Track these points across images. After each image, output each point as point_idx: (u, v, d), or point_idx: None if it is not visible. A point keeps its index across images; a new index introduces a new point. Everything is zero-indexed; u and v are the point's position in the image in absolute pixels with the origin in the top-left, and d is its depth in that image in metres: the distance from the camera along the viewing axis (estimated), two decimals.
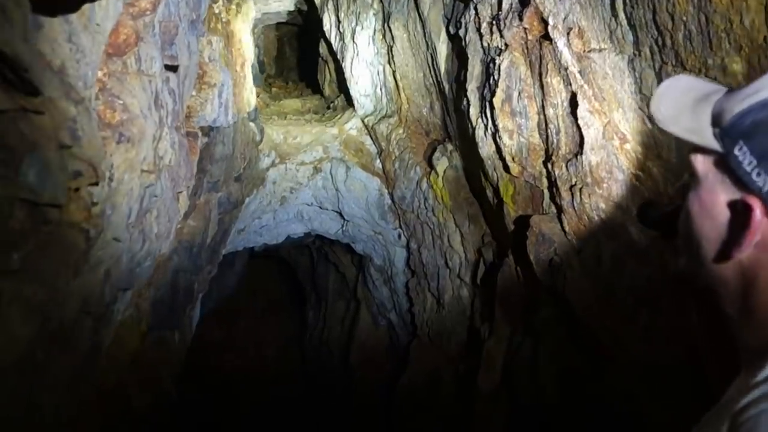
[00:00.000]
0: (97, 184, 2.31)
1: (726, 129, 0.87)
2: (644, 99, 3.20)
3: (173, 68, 3.25)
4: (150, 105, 2.89)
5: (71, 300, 2.75)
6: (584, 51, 3.65)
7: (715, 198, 0.92)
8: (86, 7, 2.10)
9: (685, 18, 2.66)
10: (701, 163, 0.95)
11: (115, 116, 2.55)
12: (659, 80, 2.98)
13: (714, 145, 0.90)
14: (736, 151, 0.85)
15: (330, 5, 8.91)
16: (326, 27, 9.22)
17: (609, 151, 3.68)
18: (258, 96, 9.74)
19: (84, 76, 2.15)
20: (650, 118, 3.21)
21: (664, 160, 3.21)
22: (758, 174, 0.82)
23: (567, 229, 4.34)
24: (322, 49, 10.65)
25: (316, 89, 11.95)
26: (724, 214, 0.90)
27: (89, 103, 2.22)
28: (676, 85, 1.07)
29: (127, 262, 3.18)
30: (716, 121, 0.90)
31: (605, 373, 3.91)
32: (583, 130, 3.84)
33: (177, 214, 3.85)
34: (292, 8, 11.87)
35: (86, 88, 2.19)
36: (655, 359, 3.44)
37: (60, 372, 3.18)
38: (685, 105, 1.00)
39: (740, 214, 0.86)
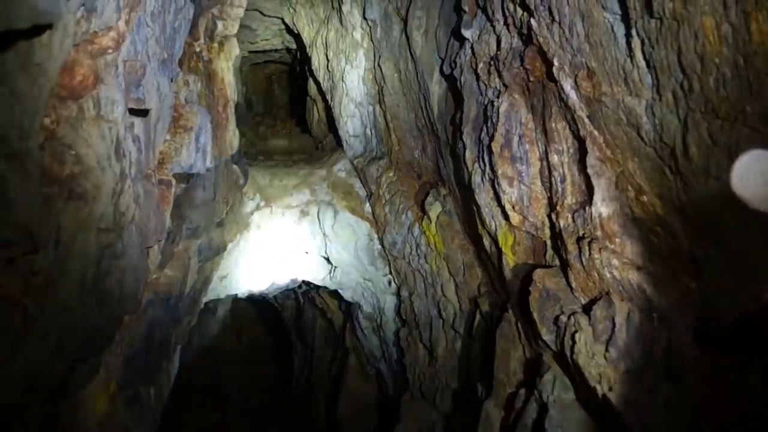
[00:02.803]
0: (36, 251, 1.94)
1: None
2: (665, 148, 2.88)
3: (139, 112, 2.91)
4: (109, 155, 2.53)
5: (11, 382, 2.36)
6: (594, 94, 3.34)
7: None
8: (23, 44, 1.76)
9: (717, 60, 2.34)
10: None
11: (64, 169, 2.19)
12: (685, 128, 2.66)
13: None
14: None
15: (319, 43, 8.67)
16: (315, 66, 8.98)
17: (623, 203, 3.35)
18: (244, 135, 9.45)
19: (19, 124, 1.80)
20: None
21: (688, 216, 2.88)
22: None
23: (574, 285, 3.98)
24: (311, 88, 10.41)
25: (305, 128, 11.70)
26: None
27: (26, 157, 1.86)
28: (761, 158, 0.83)
29: (83, 331, 2.79)
30: None
31: None
32: (592, 179, 3.52)
33: (145, 272, 3.46)
34: (280, 46, 11.68)
35: (22, 139, 1.83)
36: None
37: None
38: None
39: None
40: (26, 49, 1.79)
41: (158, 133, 3.46)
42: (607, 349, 3.59)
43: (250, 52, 11.71)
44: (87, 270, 2.51)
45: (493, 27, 4.44)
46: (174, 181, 4.00)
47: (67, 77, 2.35)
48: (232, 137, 5.95)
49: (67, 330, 2.63)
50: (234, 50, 5.58)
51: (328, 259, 8.08)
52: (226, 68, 5.57)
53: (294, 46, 11.19)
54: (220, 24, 5.26)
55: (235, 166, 6.61)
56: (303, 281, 8.85)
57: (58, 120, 2.25)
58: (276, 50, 12.22)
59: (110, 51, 2.57)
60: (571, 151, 3.82)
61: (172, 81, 3.56)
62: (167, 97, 3.42)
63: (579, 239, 3.82)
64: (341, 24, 7.76)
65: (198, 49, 5.07)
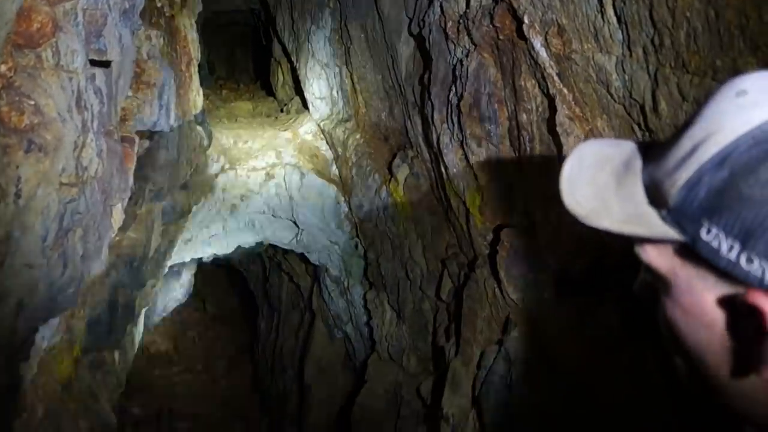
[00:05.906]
0: None
1: (676, 209, 0.65)
2: (634, 105, 2.89)
3: (101, 64, 2.81)
4: (70, 106, 2.44)
5: None
6: (564, 52, 3.33)
7: (698, 300, 0.68)
8: None
9: (689, 14, 2.35)
10: (658, 258, 0.70)
11: (22, 119, 2.10)
12: (654, 84, 2.67)
13: (668, 233, 0.65)
14: (704, 236, 0.62)
15: (283, 4, 8.49)
16: (279, 27, 8.81)
17: None
18: (207, 98, 9.25)
19: None
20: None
21: None
22: (749, 260, 0.59)
23: (542, 244, 4.02)
24: (276, 50, 10.22)
25: (269, 92, 11.51)
26: (720, 318, 0.67)
27: None
28: (583, 163, 0.80)
29: (46, 290, 2.72)
30: (656, 199, 0.68)
31: (588, 413, 3.59)
32: (561, 137, 3.53)
33: (109, 231, 3.39)
34: (243, 8, 11.42)
35: None
36: (646, 404, 3.12)
37: None
38: (607, 186, 0.74)
39: (745, 316, 0.62)
40: None
41: (120, 87, 3.35)
42: (573, 308, 3.65)
43: (213, 12, 11.43)
44: (49, 225, 2.44)
45: None
46: (137, 139, 3.90)
47: (24, 24, 2.25)
48: (196, 97, 5.82)
49: (29, 288, 2.57)
50: (197, 7, 5.42)
51: (294, 222, 8.02)
52: (189, 25, 5.41)
53: (258, 6, 10.95)
54: None
55: (199, 128, 6.48)
56: (269, 244, 8.80)
57: (15, 68, 2.16)
58: (239, 11, 11.96)
59: None
60: (540, 110, 3.82)
61: (133, 34, 3.44)
62: (129, 50, 3.31)
63: (547, 198, 3.84)
64: None
65: (160, 5, 4.91)
